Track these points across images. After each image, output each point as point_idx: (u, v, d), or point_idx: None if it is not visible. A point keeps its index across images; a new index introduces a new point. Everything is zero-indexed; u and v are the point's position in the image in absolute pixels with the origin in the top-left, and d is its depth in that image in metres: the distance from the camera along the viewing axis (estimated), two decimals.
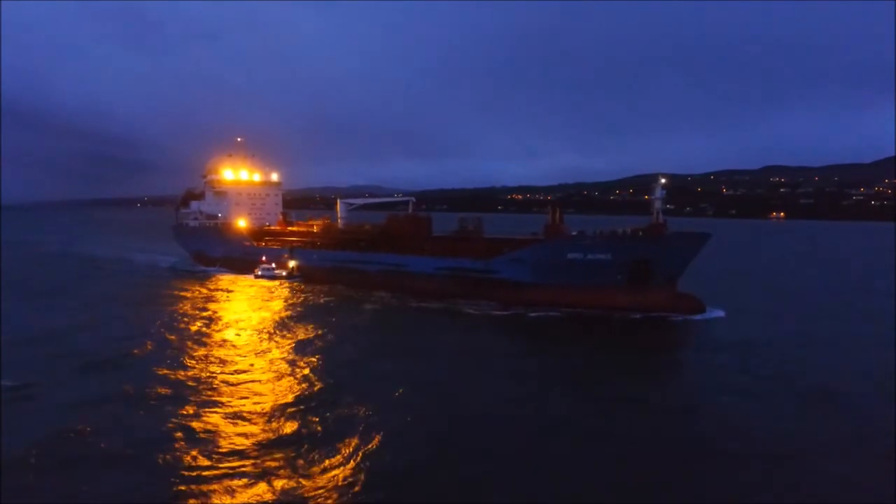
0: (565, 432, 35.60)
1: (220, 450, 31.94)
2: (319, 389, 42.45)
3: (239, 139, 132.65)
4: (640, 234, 76.26)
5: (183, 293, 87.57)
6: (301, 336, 59.65)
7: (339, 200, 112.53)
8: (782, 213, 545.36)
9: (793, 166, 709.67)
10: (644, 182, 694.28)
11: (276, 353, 52.53)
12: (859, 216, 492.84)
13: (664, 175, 76.73)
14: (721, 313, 72.19)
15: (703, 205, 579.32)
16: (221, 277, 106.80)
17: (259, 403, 39.39)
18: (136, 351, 52.58)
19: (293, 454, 31.35)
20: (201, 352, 52.88)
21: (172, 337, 58.45)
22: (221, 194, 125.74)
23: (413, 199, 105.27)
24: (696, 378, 50.30)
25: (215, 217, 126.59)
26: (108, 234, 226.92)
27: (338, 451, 31.65)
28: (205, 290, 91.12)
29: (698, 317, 71.00)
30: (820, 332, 65.47)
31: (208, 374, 45.98)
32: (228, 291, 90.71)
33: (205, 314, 71.35)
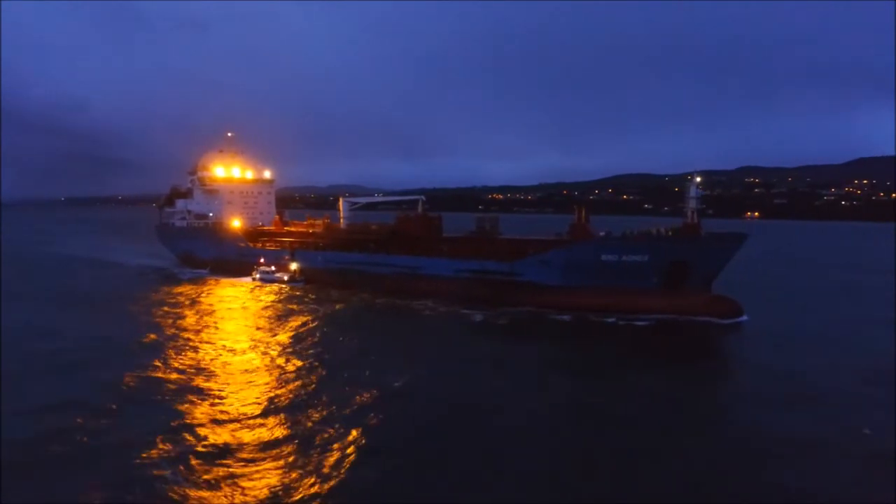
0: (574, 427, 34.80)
1: (215, 452, 31.72)
2: (334, 398, 40.18)
3: (230, 134, 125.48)
4: (670, 233, 72.77)
5: (175, 299, 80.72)
6: (308, 343, 55.63)
7: (341, 199, 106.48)
8: (757, 213, 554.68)
9: (767, 167, 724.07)
10: (622, 181, 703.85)
11: (280, 364, 47.49)
12: (830, 216, 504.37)
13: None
14: (745, 317, 68.94)
15: (679, 204, 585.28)
16: (215, 281, 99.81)
17: (260, 414, 37.60)
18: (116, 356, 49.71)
19: (287, 459, 30.85)
20: (218, 373, 47.25)
21: (160, 344, 53.98)
22: (212, 192, 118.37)
23: (423, 198, 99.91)
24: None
25: (205, 216, 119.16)
26: (86, 235, 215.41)
27: (330, 459, 30.81)
28: (199, 296, 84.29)
29: (731, 321, 67.44)
30: (835, 331, 64.34)
31: (225, 391, 40.71)
32: (228, 298, 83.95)
33: (205, 324, 65.18)
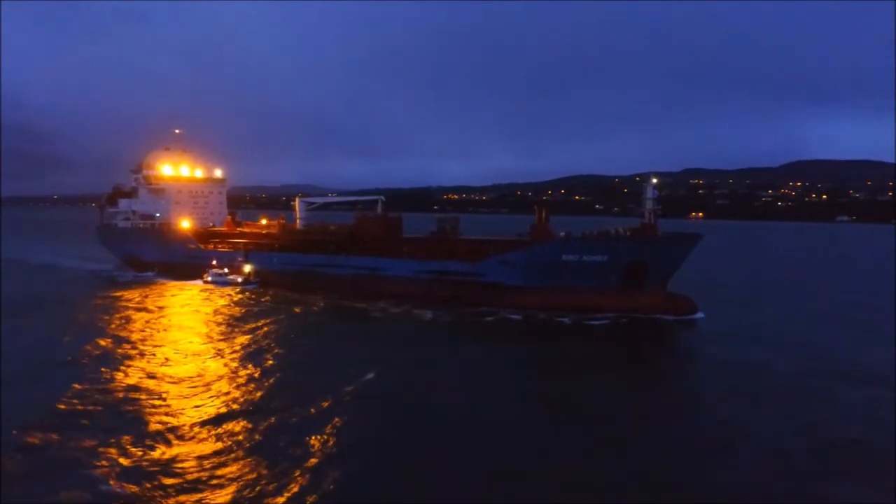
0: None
1: (169, 466, 30.39)
2: (277, 398, 40.18)
3: (177, 131, 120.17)
4: (629, 234, 74.43)
5: (120, 304, 76.24)
6: (266, 347, 53.30)
7: (298, 199, 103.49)
8: (700, 213, 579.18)
9: (710, 169, 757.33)
10: (574, 182, 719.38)
11: (238, 370, 45.45)
12: (767, 216, 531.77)
13: (659, 174, 74.91)
14: (701, 314, 71.23)
15: (630, 205, 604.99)
16: (163, 284, 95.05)
17: (209, 419, 36.53)
18: (65, 363, 47.10)
19: (246, 468, 30.06)
20: (153, 370, 44.65)
21: (107, 351, 50.34)
22: (159, 192, 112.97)
23: (382, 198, 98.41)
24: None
25: (151, 217, 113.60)
26: (19, 236, 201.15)
27: (290, 466, 30.25)
28: (146, 301, 79.93)
29: (687, 318, 69.62)
30: (781, 325, 67.36)
31: (160, 389, 38.48)
32: (178, 302, 80.00)
33: (148, 328, 61.87)
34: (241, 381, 44.21)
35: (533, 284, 73.29)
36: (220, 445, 32.67)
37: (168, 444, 32.85)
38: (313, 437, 33.46)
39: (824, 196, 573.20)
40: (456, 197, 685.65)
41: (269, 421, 36.03)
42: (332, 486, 28.04)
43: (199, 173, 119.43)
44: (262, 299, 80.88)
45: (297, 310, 73.30)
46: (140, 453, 31.54)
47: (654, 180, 75.12)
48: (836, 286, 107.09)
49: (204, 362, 49.31)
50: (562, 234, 77.88)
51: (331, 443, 32.84)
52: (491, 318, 68.97)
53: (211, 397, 40.52)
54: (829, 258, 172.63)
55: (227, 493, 27.58)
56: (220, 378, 44.84)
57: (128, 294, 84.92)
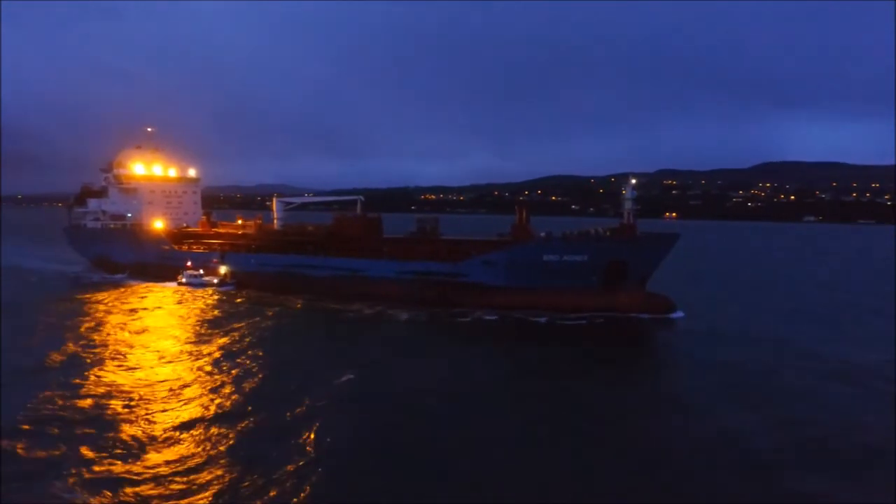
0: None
1: (147, 475, 29.50)
2: (260, 402, 39.38)
3: (149, 129, 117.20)
4: (608, 234, 75.06)
5: (91, 307, 73.89)
6: (243, 350, 52.20)
7: (275, 199, 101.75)
8: (674, 214, 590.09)
9: (683, 170, 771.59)
10: (551, 183, 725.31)
11: (214, 374, 44.43)
12: (738, 216, 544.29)
13: (645, 175, 75.89)
14: (681, 313, 72.20)
15: (605, 206, 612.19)
16: (136, 287, 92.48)
17: (183, 424, 35.68)
18: (32, 369, 45.18)
19: (226, 474, 29.34)
20: (124, 375, 43.27)
21: (78, 356, 48.62)
22: (130, 191, 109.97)
23: (361, 198, 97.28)
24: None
25: (122, 217, 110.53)
26: None
27: (270, 472, 29.74)
28: (118, 303, 77.65)
29: (666, 317, 70.52)
30: (765, 323, 68.06)
31: (135, 396, 37.30)
32: (152, 305, 77.84)
33: (121, 331, 60.12)
34: (216, 384, 43.17)
35: (515, 284, 73.35)
36: (194, 450, 31.91)
37: (142, 450, 31.90)
38: (290, 441, 32.96)
39: (792, 197, 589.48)
40: (433, 197, 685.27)
41: (246, 425, 35.36)
42: (310, 490, 27.60)
43: (173, 172, 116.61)
44: (239, 301, 79.37)
45: (274, 311, 72.03)
46: (111, 461, 30.58)
47: (633, 181, 75.90)
48: (806, 284, 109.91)
49: (178, 366, 48.03)
50: (542, 234, 78.11)
51: (308, 446, 32.31)
52: (468, 319, 68.87)
53: (185, 402, 39.46)
54: (799, 257, 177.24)
55: (203, 498, 26.91)
56: (195, 382, 43.71)
57: (99, 296, 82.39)
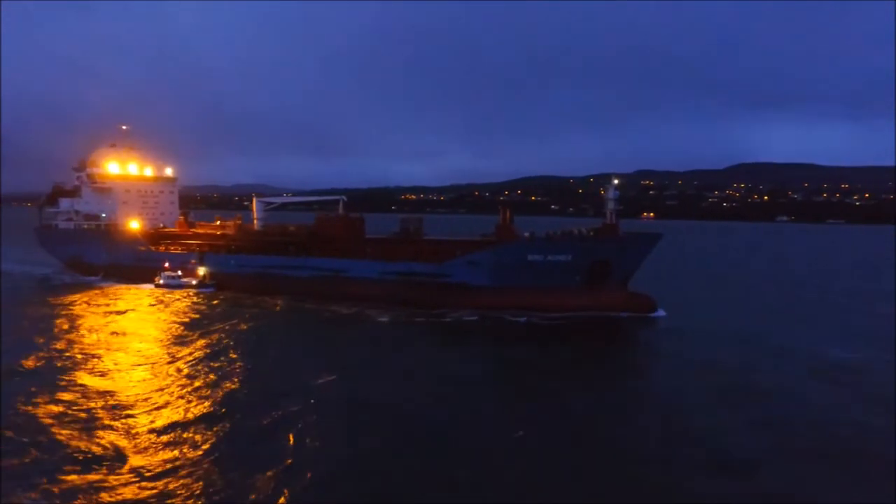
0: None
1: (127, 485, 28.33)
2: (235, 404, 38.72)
3: (124, 127, 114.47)
4: (592, 234, 75.45)
5: (64, 310, 71.67)
6: (222, 353, 51.16)
7: (255, 199, 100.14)
8: (652, 214, 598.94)
9: (660, 170, 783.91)
10: (531, 183, 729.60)
11: (193, 378, 43.46)
12: (714, 216, 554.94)
13: (624, 175, 76.38)
14: (663, 312, 72.96)
15: (584, 206, 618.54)
16: (111, 289, 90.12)
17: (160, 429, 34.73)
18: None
19: (208, 480, 28.60)
20: (103, 384, 42.03)
21: (51, 361, 47.18)
22: (104, 191, 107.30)
23: (344, 198, 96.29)
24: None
25: (96, 217, 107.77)
26: None
27: (251, 477, 28.96)
28: (93, 306, 75.53)
29: (648, 316, 71.23)
30: (744, 321, 69.05)
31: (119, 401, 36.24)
32: (128, 307, 75.86)
33: (96, 334, 58.48)
34: (194, 389, 42.11)
35: (499, 284, 73.27)
36: (171, 454, 31.18)
37: (117, 456, 30.95)
38: (269, 445, 32.38)
39: (766, 197, 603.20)
40: (413, 197, 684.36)
41: (225, 428, 34.62)
42: (289, 493, 27.16)
43: (149, 171, 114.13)
44: (219, 303, 77.83)
45: (254, 313, 70.82)
46: (86, 466, 29.67)
47: (616, 181, 76.44)
48: (782, 283, 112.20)
49: (156, 369, 46.80)
50: (526, 234, 78.22)
51: (286, 450, 31.73)
52: (451, 319, 68.66)
53: (162, 406, 38.42)
54: (777, 257, 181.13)
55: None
56: (173, 386, 42.58)
57: (72, 298, 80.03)
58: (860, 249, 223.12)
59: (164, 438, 33.35)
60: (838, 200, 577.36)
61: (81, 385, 42.59)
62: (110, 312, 71.00)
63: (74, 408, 37.96)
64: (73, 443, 32.58)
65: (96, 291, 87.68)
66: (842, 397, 42.83)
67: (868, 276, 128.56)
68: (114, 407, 38.20)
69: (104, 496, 26.90)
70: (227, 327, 62.27)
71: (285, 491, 27.28)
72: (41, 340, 55.41)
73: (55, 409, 37.67)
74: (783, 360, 52.80)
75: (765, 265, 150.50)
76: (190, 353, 51.80)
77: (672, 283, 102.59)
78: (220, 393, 41.07)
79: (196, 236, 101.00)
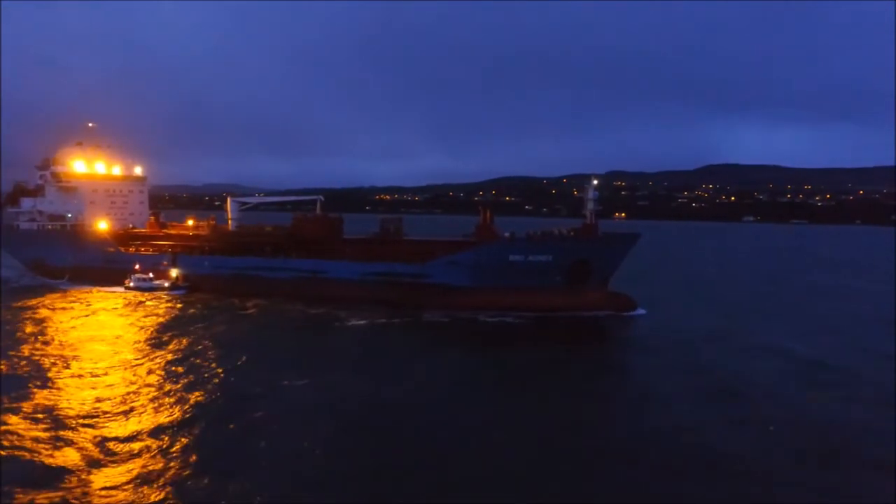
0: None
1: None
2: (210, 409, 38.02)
3: (91, 125, 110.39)
4: (572, 234, 75.90)
5: (28, 315, 68.71)
6: (196, 357, 50.16)
7: (229, 199, 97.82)
8: (623, 214, 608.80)
9: (632, 171, 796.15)
10: (505, 184, 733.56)
11: (164, 384, 42.27)
12: (683, 216, 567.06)
13: (596, 176, 76.70)
14: (643, 311, 73.82)
15: (557, 206, 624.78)
16: (78, 292, 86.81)
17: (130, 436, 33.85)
18: None
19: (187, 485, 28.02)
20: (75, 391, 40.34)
21: (14, 368, 45.37)
22: (70, 190, 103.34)
23: (321, 197, 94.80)
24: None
25: (62, 218, 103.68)
26: None
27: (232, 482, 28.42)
28: (59, 310, 72.68)
29: (629, 314, 72.01)
30: (720, 319, 70.46)
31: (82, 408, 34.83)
32: (96, 311, 73.13)
33: (62, 339, 56.48)
34: (165, 393, 40.95)
35: (480, 285, 73.06)
36: (144, 461, 30.37)
37: (89, 465, 29.84)
38: (245, 449, 31.85)
39: (733, 198, 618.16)
40: (388, 197, 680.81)
41: (195, 435, 33.85)
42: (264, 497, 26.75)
43: (117, 170, 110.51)
44: (192, 305, 75.65)
45: (230, 316, 69.19)
46: (58, 475, 28.65)
47: (595, 181, 76.95)
48: (753, 280, 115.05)
49: (126, 375, 45.28)
50: (507, 234, 78.21)
51: (262, 454, 31.24)
52: (432, 320, 68.26)
53: (131, 414, 37.13)
54: (748, 256, 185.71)
55: None
56: (144, 391, 41.20)
57: (36, 302, 76.81)
58: (824, 248, 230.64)
59: (136, 446, 32.32)
60: (801, 201, 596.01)
61: (48, 392, 40.83)
62: (78, 316, 68.37)
63: (41, 415, 36.32)
64: (42, 451, 31.17)
65: (61, 294, 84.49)
66: (813, 389, 44.30)
67: (833, 273, 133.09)
68: (84, 415, 36.66)
69: None
70: (203, 330, 60.60)
71: (257, 497, 26.78)
72: (4, 345, 52.86)
73: (19, 418, 35.90)
74: (756, 355, 53.97)
75: (737, 264, 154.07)
76: (162, 358, 50.22)
77: (650, 282, 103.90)
78: (192, 398, 39.93)
79: (168, 237, 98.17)
